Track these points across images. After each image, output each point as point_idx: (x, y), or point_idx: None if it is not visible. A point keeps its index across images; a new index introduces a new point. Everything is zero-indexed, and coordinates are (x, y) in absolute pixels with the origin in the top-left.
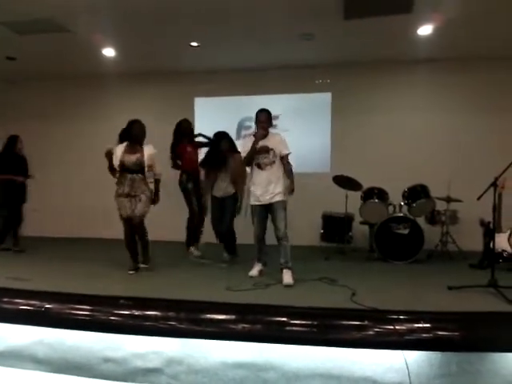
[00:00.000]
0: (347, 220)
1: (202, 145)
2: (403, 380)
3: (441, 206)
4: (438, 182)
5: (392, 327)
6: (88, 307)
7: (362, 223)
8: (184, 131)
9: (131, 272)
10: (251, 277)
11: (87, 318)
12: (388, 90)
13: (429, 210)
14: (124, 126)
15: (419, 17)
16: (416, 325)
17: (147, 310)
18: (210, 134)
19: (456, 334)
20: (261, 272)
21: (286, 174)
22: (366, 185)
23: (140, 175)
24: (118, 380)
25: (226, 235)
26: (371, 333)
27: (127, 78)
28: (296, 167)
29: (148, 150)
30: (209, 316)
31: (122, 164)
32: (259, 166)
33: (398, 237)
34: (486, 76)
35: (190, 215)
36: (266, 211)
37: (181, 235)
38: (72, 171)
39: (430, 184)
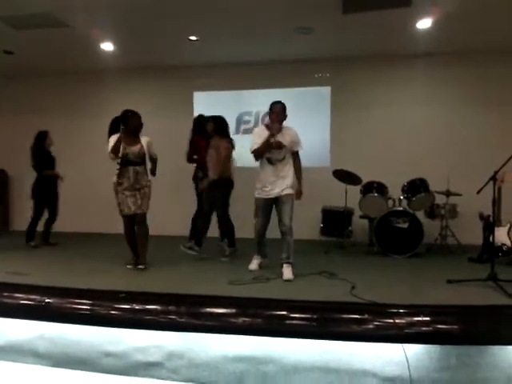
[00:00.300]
0: (347, 214)
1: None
2: (403, 373)
3: (440, 199)
4: (437, 176)
5: (391, 321)
6: (89, 301)
7: (361, 217)
8: (200, 126)
9: (130, 267)
10: (251, 271)
11: (88, 313)
12: (387, 84)
13: (428, 204)
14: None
15: (418, 10)
16: (415, 318)
17: (148, 304)
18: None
19: (455, 327)
20: (260, 264)
21: (296, 172)
22: (365, 179)
23: (143, 167)
24: (118, 374)
25: (221, 222)
26: (371, 326)
27: (126, 72)
28: None
29: (145, 139)
30: (209, 310)
31: (125, 156)
32: (270, 161)
33: (398, 231)
34: (485, 70)
35: (197, 209)
36: (271, 205)
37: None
38: (71, 166)
39: (430, 178)
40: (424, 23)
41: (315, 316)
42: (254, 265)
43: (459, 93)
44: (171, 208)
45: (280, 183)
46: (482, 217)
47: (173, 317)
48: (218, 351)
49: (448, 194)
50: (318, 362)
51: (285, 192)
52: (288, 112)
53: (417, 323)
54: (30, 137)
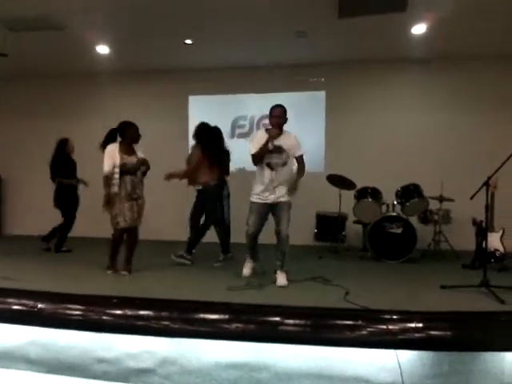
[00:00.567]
0: (341, 219)
1: None
2: (396, 379)
3: (434, 205)
4: (430, 182)
5: (385, 327)
6: (81, 307)
7: (355, 222)
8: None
9: (110, 272)
10: (244, 277)
11: (80, 318)
12: (382, 88)
13: (422, 210)
14: (115, 126)
15: (413, 15)
16: (409, 324)
17: (140, 310)
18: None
19: (448, 333)
20: (254, 269)
21: (299, 173)
22: (359, 184)
23: (139, 177)
24: (111, 380)
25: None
26: (364, 332)
27: (121, 75)
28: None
29: (141, 152)
30: (202, 316)
31: (123, 166)
32: (270, 166)
33: (391, 236)
34: (479, 75)
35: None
36: (268, 210)
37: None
38: None
39: (423, 183)
40: (419, 28)
41: (309, 322)
42: (247, 270)
43: (453, 98)
44: (166, 213)
45: (279, 189)
46: (474, 222)
47: (165, 323)
48: (210, 357)
49: (441, 199)
50: (311, 369)
51: (283, 199)
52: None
53: (410, 329)
54: (23, 139)
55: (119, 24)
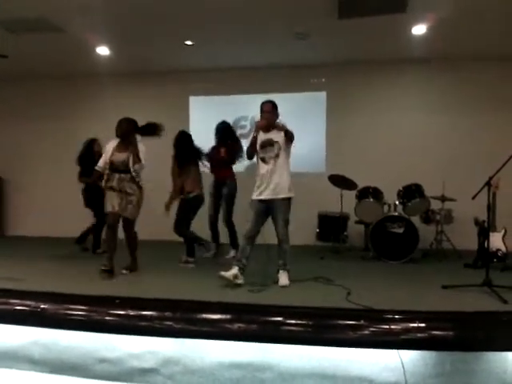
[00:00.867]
0: (342, 219)
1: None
2: (399, 379)
3: (435, 205)
4: (432, 181)
5: (387, 327)
6: (84, 307)
7: (357, 222)
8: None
9: (124, 272)
10: (221, 277)
11: (83, 318)
12: (383, 89)
13: (423, 210)
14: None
15: (413, 16)
16: (411, 324)
17: (143, 310)
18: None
19: (451, 333)
20: (235, 277)
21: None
22: (361, 184)
23: (129, 175)
24: (113, 380)
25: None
26: (367, 332)
27: (121, 77)
28: (293, 167)
29: (140, 147)
30: (205, 316)
31: (110, 163)
32: (263, 160)
33: (393, 236)
34: (479, 75)
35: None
36: (266, 208)
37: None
38: (65, 170)
39: (425, 183)
40: (419, 29)
41: (311, 322)
42: (228, 273)
43: (454, 98)
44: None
45: (274, 183)
46: (477, 222)
47: (168, 323)
48: (214, 357)
49: (443, 199)
50: (314, 369)
51: (280, 196)
52: (284, 117)
53: (412, 329)
54: (23, 140)
55: (119, 25)
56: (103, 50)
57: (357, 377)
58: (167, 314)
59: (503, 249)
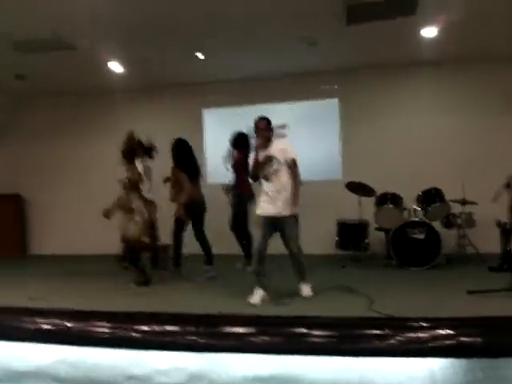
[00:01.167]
0: (362, 227)
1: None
2: None
3: (456, 208)
4: (450, 185)
5: (413, 335)
6: (108, 324)
7: (377, 229)
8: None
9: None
10: (252, 305)
11: (108, 336)
12: (396, 93)
13: (444, 214)
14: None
15: (423, 18)
16: (438, 331)
17: (167, 325)
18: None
19: (480, 339)
20: (263, 298)
21: (294, 181)
22: (378, 190)
23: (132, 194)
24: None
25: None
26: (392, 341)
27: (134, 92)
28: (308, 175)
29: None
30: (228, 329)
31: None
32: (265, 178)
33: (415, 242)
34: (496, 76)
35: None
36: (273, 225)
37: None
38: (86, 189)
39: (444, 187)
40: (429, 31)
41: (336, 332)
42: (256, 299)
43: (471, 100)
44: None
45: (278, 199)
46: (499, 224)
47: (193, 337)
48: (238, 371)
49: (464, 202)
50: (340, 380)
51: (285, 212)
52: (297, 125)
53: (439, 336)
54: (43, 159)
55: (130, 41)
56: (116, 67)
57: None
58: (191, 328)
59: None
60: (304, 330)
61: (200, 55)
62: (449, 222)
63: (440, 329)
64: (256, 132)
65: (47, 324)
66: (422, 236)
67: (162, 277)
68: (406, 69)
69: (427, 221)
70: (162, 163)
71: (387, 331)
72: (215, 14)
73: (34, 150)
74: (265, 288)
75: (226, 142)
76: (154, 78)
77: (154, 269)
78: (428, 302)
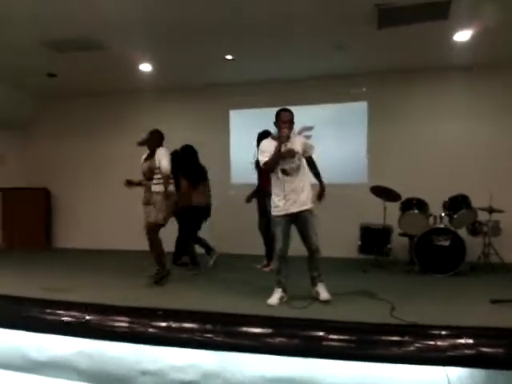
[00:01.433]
0: (386, 231)
1: None
2: None
3: (482, 216)
4: (479, 192)
5: (433, 343)
6: (127, 318)
7: (401, 235)
8: None
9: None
10: (270, 305)
11: (126, 330)
12: (425, 97)
13: (470, 221)
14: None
15: (456, 23)
16: (458, 340)
17: (184, 322)
18: (246, 147)
19: (501, 350)
20: (282, 299)
21: (315, 177)
22: (404, 195)
23: (153, 181)
24: None
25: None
26: (412, 348)
27: (163, 92)
28: (333, 178)
29: (158, 152)
30: (246, 329)
31: (142, 173)
32: (285, 173)
33: (439, 249)
34: None
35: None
36: (291, 222)
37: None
38: (111, 185)
39: (471, 194)
40: (462, 36)
41: (354, 337)
42: (274, 299)
43: (501, 105)
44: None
45: (299, 196)
46: None
47: (209, 335)
48: (254, 372)
49: (491, 210)
50: None
51: (305, 207)
52: (325, 128)
53: (460, 346)
54: (70, 155)
55: (160, 42)
56: (146, 67)
57: None
58: (208, 326)
59: None
60: (322, 334)
61: (229, 57)
62: (474, 229)
63: (460, 338)
64: (278, 124)
65: (66, 316)
66: (446, 243)
67: (182, 274)
68: (437, 73)
69: (452, 228)
70: None
71: (406, 338)
72: (243, 17)
73: (63, 146)
74: (284, 289)
75: (252, 143)
76: (182, 78)
77: (174, 264)
78: (450, 309)
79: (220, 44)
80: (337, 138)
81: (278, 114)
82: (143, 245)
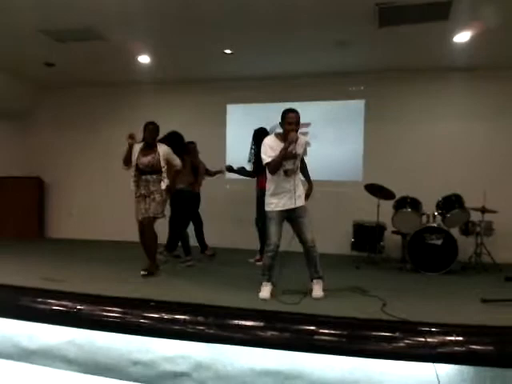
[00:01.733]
0: (379, 229)
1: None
2: None
3: (475, 216)
4: (472, 192)
5: (423, 339)
6: (119, 309)
7: (394, 233)
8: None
9: (143, 273)
10: (263, 300)
11: (118, 320)
12: (422, 97)
13: (463, 221)
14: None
15: (456, 24)
16: (448, 338)
17: (176, 314)
18: (242, 141)
19: (490, 348)
20: (272, 293)
21: (305, 177)
22: (399, 194)
23: (154, 176)
24: (146, 383)
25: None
26: (402, 344)
27: (161, 85)
28: (327, 175)
29: (161, 149)
30: (237, 322)
31: (136, 165)
32: (286, 173)
33: (432, 247)
34: None
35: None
36: (284, 217)
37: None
38: (106, 176)
39: (465, 194)
40: (461, 37)
41: (345, 332)
42: (265, 292)
43: (496, 107)
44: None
45: (294, 193)
46: None
47: (201, 327)
48: (245, 364)
49: (484, 210)
50: (347, 380)
51: (298, 203)
52: (321, 125)
53: (449, 343)
54: (66, 145)
55: (160, 34)
56: (144, 59)
57: None
58: (200, 318)
59: None
60: (313, 328)
61: (228, 51)
62: (467, 229)
63: (450, 335)
64: (283, 124)
65: (58, 306)
66: (439, 242)
67: (175, 265)
68: (435, 74)
69: (445, 227)
70: None
71: (396, 334)
72: (244, 11)
73: (59, 136)
74: (272, 282)
75: (247, 139)
76: (180, 71)
77: (168, 254)
78: (441, 307)
79: (219, 37)
80: (333, 135)
81: (284, 115)
82: (137, 236)
